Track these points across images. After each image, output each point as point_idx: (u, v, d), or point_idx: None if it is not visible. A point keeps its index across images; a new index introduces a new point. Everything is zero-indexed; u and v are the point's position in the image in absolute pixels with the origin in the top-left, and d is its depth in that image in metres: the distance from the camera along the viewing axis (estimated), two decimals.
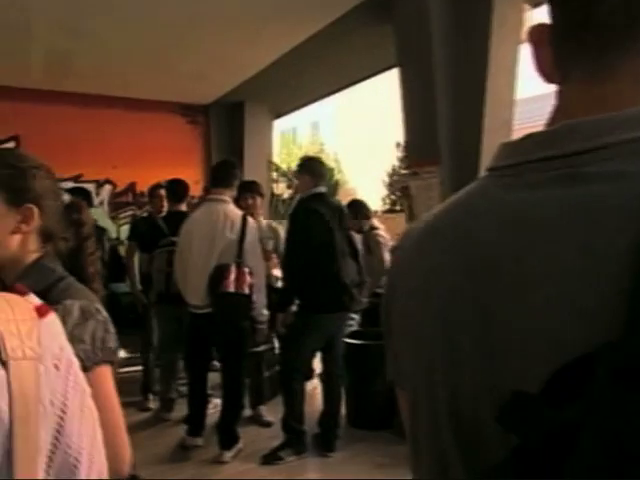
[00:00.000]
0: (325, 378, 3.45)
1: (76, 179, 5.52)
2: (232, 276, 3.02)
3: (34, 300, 0.65)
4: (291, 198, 7.67)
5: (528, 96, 11.20)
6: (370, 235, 4.32)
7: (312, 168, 3.27)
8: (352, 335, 3.81)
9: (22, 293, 0.65)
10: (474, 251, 0.48)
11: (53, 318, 0.66)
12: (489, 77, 3.04)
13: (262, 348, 3.30)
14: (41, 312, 0.63)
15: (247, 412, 3.96)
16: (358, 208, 4.37)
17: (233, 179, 3.27)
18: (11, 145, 5.31)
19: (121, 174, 5.73)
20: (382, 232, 4.44)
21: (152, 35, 4.30)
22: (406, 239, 0.58)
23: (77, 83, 5.30)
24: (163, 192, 4.23)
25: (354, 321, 4.24)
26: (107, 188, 5.74)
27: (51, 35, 4.27)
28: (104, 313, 0.99)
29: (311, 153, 25.50)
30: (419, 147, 3.34)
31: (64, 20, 3.99)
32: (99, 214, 5.60)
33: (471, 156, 3.15)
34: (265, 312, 3.28)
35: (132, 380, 4.54)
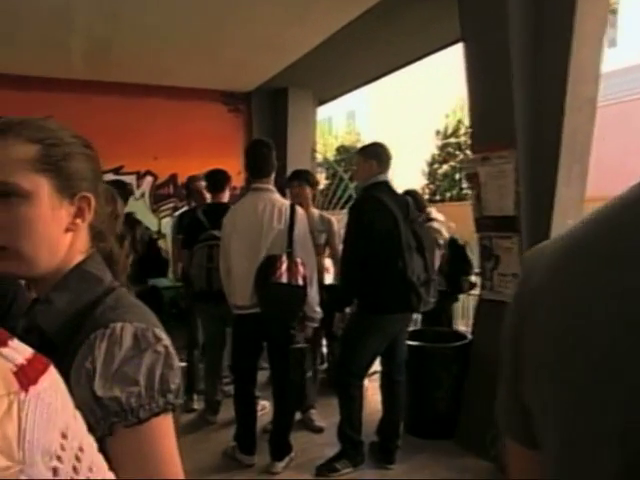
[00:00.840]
0: (385, 384, 3.17)
1: (117, 171, 5.39)
2: (284, 266, 2.75)
3: (18, 355, 0.38)
4: (328, 189, 7.40)
5: (616, 68, 10.54)
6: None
7: (379, 153, 2.97)
8: (411, 335, 3.52)
9: (2, 341, 0.38)
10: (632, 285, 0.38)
11: (51, 383, 0.40)
12: (573, 49, 2.67)
13: (303, 345, 3.00)
14: (28, 378, 0.36)
15: (297, 416, 3.74)
16: (412, 199, 4.05)
17: (273, 164, 2.98)
18: None
19: (162, 165, 5.57)
20: (437, 224, 4.11)
21: (194, 20, 4.07)
22: (537, 258, 0.49)
23: (117, 73, 5.15)
24: (202, 184, 4.02)
25: (412, 320, 3.99)
26: (148, 180, 5.59)
27: (91, 23, 4.09)
28: (165, 340, 0.73)
29: (347, 143, 25.16)
30: (489, 130, 3.00)
31: (104, 7, 3.81)
32: (140, 207, 5.46)
33: (550, 138, 2.80)
34: (318, 309, 2.98)
35: None
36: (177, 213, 5.16)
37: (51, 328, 0.72)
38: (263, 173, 2.94)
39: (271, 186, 2.95)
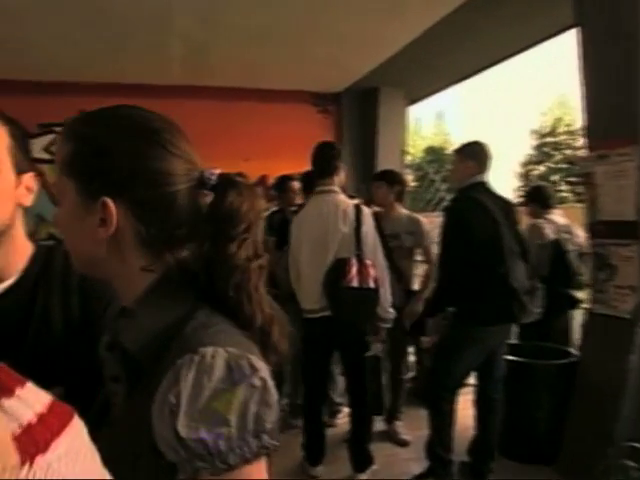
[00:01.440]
0: (480, 401, 2.94)
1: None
2: (354, 269, 2.64)
3: (27, 408, 0.27)
4: (416, 190, 7.16)
5: None
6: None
7: (477, 153, 2.79)
8: (509, 350, 3.25)
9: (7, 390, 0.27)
10: None
11: (70, 446, 0.29)
12: None
13: (378, 351, 2.83)
14: (36, 443, 0.26)
15: (381, 426, 3.60)
16: None
17: (336, 164, 2.85)
18: None
19: (253, 167, 5.63)
20: (543, 222, 3.76)
21: (286, 20, 4.06)
22: None
23: (212, 77, 5.29)
24: (296, 184, 3.99)
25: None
26: None
27: (189, 28, 4.22)
28: (262, 371, 0.61)
29: (436, 144, 24.57)
30: (607, 124, 2.68)
31: (201, 11, 3.90)
32: None
33: None
34: (391, 310, 2.83)
35: None
36: (266, 214, 5.19)
37: (135, 346, 0.64)
38: (326, 174, 2.84)
39: (335, 187, 2.83)
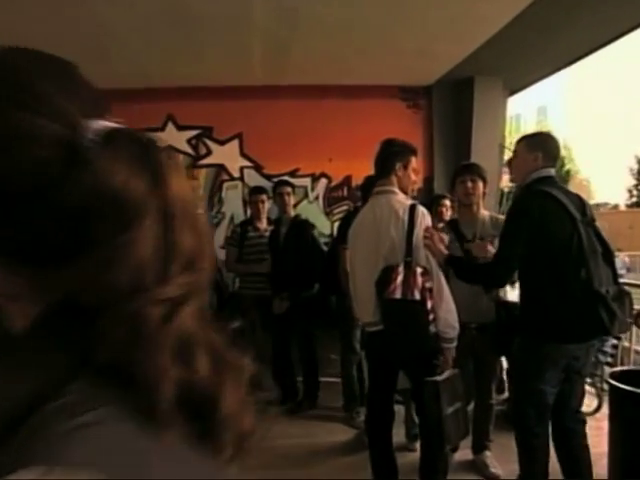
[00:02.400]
0: (558, 435, 2.44)
1: (293, 173, 5.36)
2: (399, 278, 2.30)
3: None
4: (511, 191, 6.51)
5: None
6: None
7: (545, 143, 2.41)
8: (619, 377, 2.72)
9: None
10: None
11: None
12: None
13: (446, 375, 2.38)
14: None
15: (467, 454, 3.19)
16: None
17: (394, 162, 2.52)
18: (234, 144, 5.40)
19: (337, 167, 5.40)
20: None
21: (372, 11, 3.76)
22: None
23: (293, 76, 5.11)
24: None
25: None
26: (322, 182, 5.46)
27: (270, 25, 4.07)
28: None
29: None
30: None
31: (281, 5, 3.72)
32: (313, 210, 5.36)
33: None
34: (453, 326, 2.38)
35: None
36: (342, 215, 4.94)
37: None
38: (383, 173, 2.54)
39: (393, 187, 2.50)
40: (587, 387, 4.07)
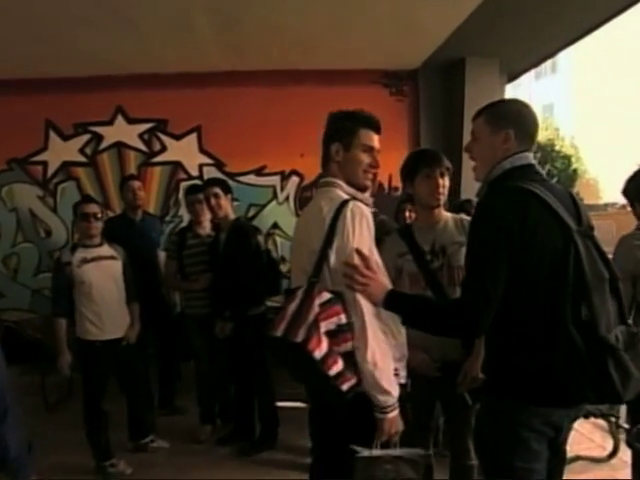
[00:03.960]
0: None
1: (259, 171, 4.71)
2: (291, 308, 1.59)
3: None
4: None
5: None
6: None
7: (517, 116, 1.59)
8: None
9: None
10: None
11: None
12: None
13: (380, 453, 1.62)
14: None
15: None
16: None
17: (328, 142, 1.80)
18: (192, 138, 4.74)
19: (310, 163, 4.69)
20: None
21: None
22: None
23: (256, 59, 4.46)
24: None
25: None
26: (293, 180, 4.79)
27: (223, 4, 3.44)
28: None
29: (543, 140, 22.18)
30: None
31: None
32: (283, 212, 4.69)
33: None
34: (391, 389, 1.58)
35: None
36: None
37: None
38: (323, 159, 1.84)
39: (332, 178, 1.75)
40: (599, 421, 3.39)
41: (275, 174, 4.75)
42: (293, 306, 1.55)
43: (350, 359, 1.55)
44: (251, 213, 4.73)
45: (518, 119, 1.58)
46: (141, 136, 4.72)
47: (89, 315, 3.13)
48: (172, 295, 4.22)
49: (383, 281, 1.60)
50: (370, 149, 1.75)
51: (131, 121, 4.71)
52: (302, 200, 4.78)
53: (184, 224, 4.71)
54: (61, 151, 4.70)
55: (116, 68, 4.49)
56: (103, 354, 3.15)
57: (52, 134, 4.70)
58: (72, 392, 4.30)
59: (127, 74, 4.57)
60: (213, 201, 3.31)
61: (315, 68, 4.66)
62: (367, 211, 1.65)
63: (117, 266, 3.24)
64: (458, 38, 4.11)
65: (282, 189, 4.77)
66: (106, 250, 3.23)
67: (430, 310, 1.56)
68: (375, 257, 1.65)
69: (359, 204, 1.64)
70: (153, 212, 4.66)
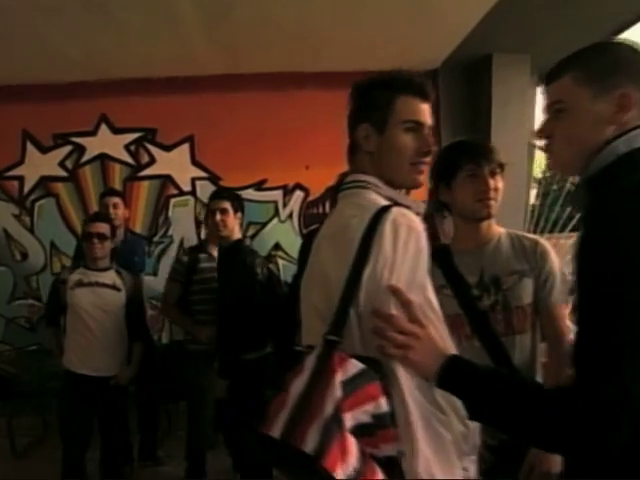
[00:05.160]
0: None
1: (258, 186, 4.19)
2: (294, 390, 0.95)
3: None
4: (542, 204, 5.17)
5: None
6: None
7: (633, 68, 0.93)
8: None
9: None
10: None
11: None
12: None
13: None
14: None
15: None
16: None
17: (353, 123, 1.23)
18: (184, 149, 4.24)
19: (316, 176, 4.19)
20: None
21: None
22: None
23: (255, 60, 3.96)
24: None
25: None
26: (297, 195, 4.26)
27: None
28: None
29: None
30: None
31: None
32: (285, 231, 4.16)
33: None
34: None
35: None
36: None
37: None
38: (349, 154, 1.24)
39: (361, 175, 1.15)
40: None
41: (277, 188, 4.22)
42: (299, 385, 0.93)
43: (396, 469, 0.95)
44: (250, 232, 4.21)
45: (637, 72, 0.94)
46: (127, 147, 4.24)
47: (73, 344, 2.84)
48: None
49: (438, 341, 0.98)
50: (416, 126, 1.14)
51: (116, 131, 4.23)
52: (307, 217, 4.25)
53: (175, 245, 4.23)
54: (39, 164, 4.24)
55: (99, 73, 4.03)
56: (84, 390, 2.77)
57: (29, 146, 4.24)
58: (47, 435, 3.82)
59: (111, 79, 4.10)
60: (218, 217, 2.81)
61: (320, 70, 4.14)
62: (418, 223, 1.05)
63: (117, 297, 2.87)
64: (483, 32, 3.58)
65: (285, 205, 4.24)
66: (109, 277, 2.87)
67: (523, 401, 0.88)
68: (429, 297, 1.05)
69: (405, 212, 1.04)
70: (140, 231, 4.16)
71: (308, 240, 3.25)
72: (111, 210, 3.39)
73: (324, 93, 4.15)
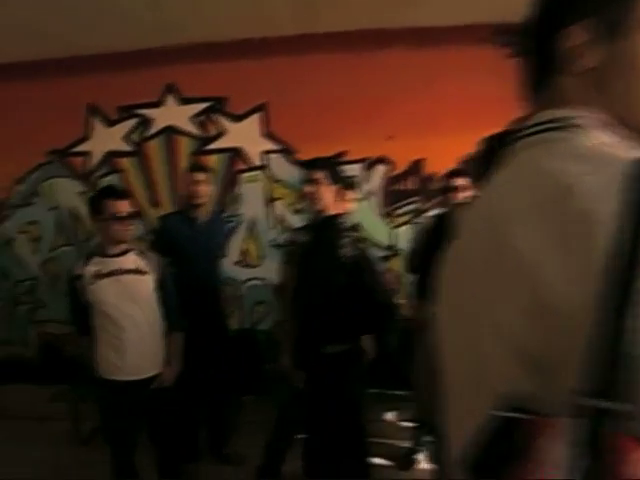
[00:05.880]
0: None
1: (337, 159, 3.77)
2: None
3: None
4: None
5: None
6: None
7: None
8: None
9: None
10: None
11: None
12: None
13: None
14: None
15: None
16: None
17: (558, 22, 0.67)
18: (255, 119, 3.86)
19: (401, 148, 3.71)
20: None
21: None
22: None
23: (336, 18, 3.51)
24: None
25: None
26: (380, 170, 3.79)
27: None
28: None
29: None
30: None
31: None
32: (364, 210, 3.71)
33: None
34: None
35: None
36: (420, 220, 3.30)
37: None
38: (539, 78, 0.74)
39: (578, 114, 0.65)
40: None
41: (356, 162, 3.77)
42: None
43: None
44: None
45: None
46: (195, 118, 3.92)
47: (105, 348, 2.39)
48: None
49: None
50: None
51: (183, 101, 3.92)
52: (391, 194, 3.78)
53: (245, 224, 3.90)
54: (104, 139, 4.00)
55: (165, 39, 3.72)
56: (124, 397, 2.38)
57: (95, 120, 4.01)
58: None
59: (177, 45, 3.77)
60: (311, 188, 2.42)
61: (409, 25, 3.64)
62: None
63: (145, 282, 2.42)
64: None
65: (366, 181, 3.79)
66: (131, 261, 2.41)
67: None
68: None
69: None
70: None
71: (437, 227, 2.77)
72: (198, 187, 3.08)
73: (413, 53, 3.67)
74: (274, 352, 3.54)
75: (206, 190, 3.14)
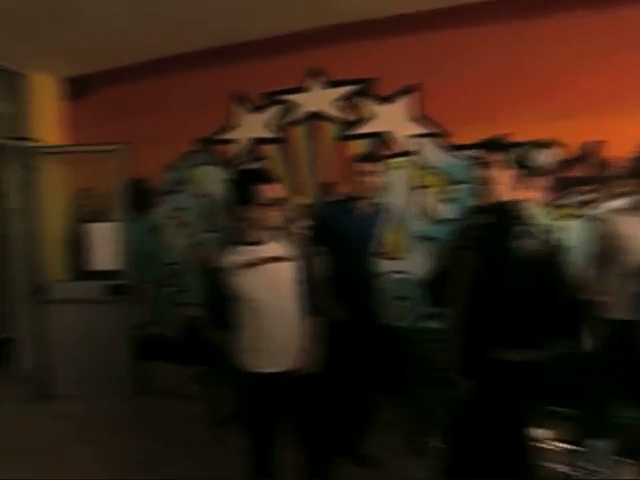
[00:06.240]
0: None
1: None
2: None
3: None
4: None
5: None
6: None
7: None
8: None
9: None
10: None
11: None
12: None
13: None
14: None
15: None
16: None
17: None
18: (405, 100, 3.60)
19: (573, 128, 3.22)
20: None
21: None
22: None
23: None
24: None
25: None
26: (549, 154, 3.33)
27: None
28: None
29: None
30: None
31: None
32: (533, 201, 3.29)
33: None
34: None
35: None
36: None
37: None
38: None
39: None
40: None
41: (523, 144, 3.35)
42: None
43: None
44: None
45: None
46: (340, 102, 3.76)
47: (250, 342, 2.27)
48: None
49: None
50: None
51: (328, 85, 3.77)
52: (560, 182, 3.32)
53: (389, 213, 3.66)
54: (248, 126, 4.00)
55: (307, 21, 3.59)
56: (265, 389, 2.27)
57: (238, 107, 4.02)
58: None
59: (322, 27, 3.63)
60: (485, 172, 2.17)
61: None
62: None
63: (289, 270, 2.28)
64: None
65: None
66: (272, 249, 2.27)
67: None
68: None
69: None
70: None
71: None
72: (366, 178, 2.91)
73: (586, 17, 3.17)
74: (415, 351, 3.27)
75: (374, 182, 2.94)
